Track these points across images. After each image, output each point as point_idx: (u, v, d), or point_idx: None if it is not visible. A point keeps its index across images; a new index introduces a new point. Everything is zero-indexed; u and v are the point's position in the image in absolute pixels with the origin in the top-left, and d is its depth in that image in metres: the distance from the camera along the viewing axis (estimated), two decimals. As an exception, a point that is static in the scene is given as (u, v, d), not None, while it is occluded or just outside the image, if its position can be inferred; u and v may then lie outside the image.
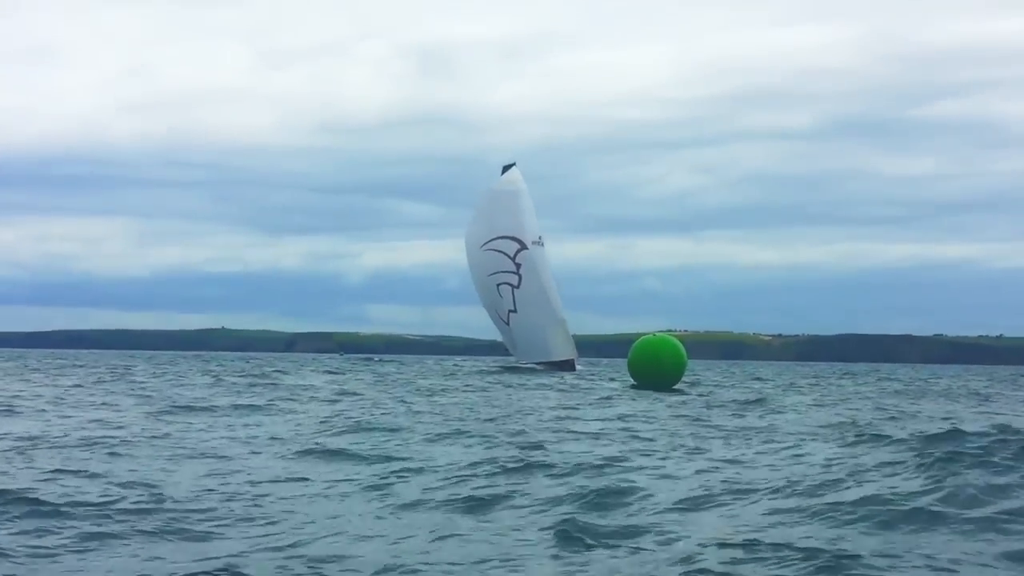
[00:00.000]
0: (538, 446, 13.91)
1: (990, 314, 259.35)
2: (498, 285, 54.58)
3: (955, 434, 12.06)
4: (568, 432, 16.35)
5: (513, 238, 54.47)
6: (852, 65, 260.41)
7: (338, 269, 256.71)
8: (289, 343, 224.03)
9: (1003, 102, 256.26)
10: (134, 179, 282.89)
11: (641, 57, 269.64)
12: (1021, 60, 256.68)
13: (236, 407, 21.67)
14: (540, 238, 55.26)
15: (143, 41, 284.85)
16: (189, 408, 21.23)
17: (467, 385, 34.90)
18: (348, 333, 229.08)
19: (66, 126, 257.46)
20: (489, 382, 37.66)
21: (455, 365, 71.10)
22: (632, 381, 35.56)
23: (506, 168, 56.92)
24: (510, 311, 54.69)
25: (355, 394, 28.19)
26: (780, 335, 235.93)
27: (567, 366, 53.71)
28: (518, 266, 54.31)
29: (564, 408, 22.68)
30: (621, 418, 19.63)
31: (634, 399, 26.78)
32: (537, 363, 54.57)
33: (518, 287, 54.24)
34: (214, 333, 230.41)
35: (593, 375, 48.60)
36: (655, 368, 36.59)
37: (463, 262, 56.40)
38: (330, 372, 49.93)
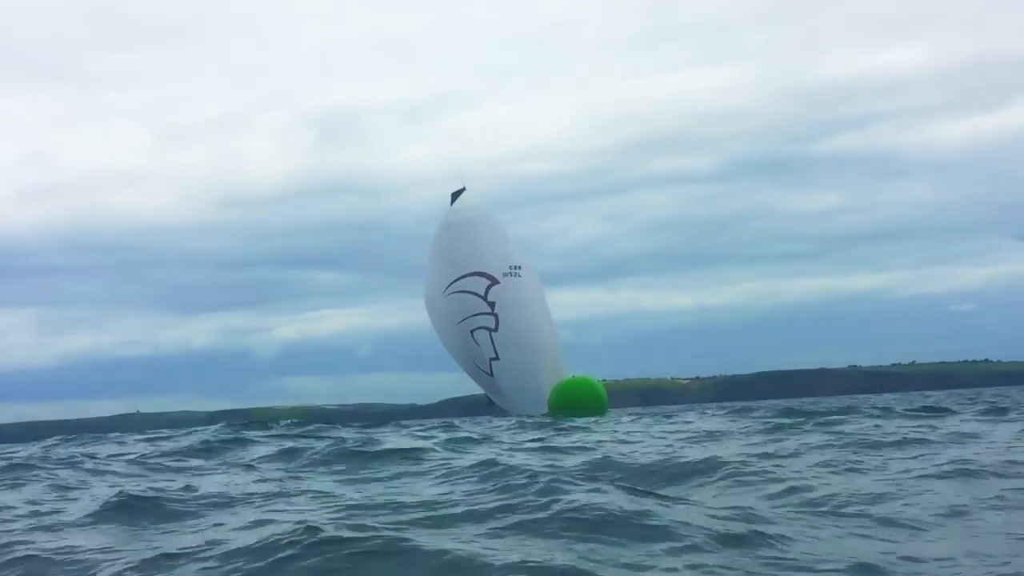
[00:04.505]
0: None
1: (902, 342, 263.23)
2: (472, 331, 46.02)
3: None
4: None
5: (480, 273, 45.78)
6: (750, 105, 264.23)
7: (252, 344, 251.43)
8: (208, 422, 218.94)
9: (898, 132, 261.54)
10: (37, 267, 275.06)
11: (540, 111, 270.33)
12: (908, 90, 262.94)
13: None
14: (514, 266, 46.13)
15: (40, 127, 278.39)
16: None
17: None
18: (267, 408, 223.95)
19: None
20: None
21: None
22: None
23: (455, 195, 48.02)
24: (491, 359, 45.88)
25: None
26: (698, 377, 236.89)
27: None
28: (492, 305, 45.56)
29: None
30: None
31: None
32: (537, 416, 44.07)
33: (496, 330, 45.60)
34: (130, 418, 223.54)
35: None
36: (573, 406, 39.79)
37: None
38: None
